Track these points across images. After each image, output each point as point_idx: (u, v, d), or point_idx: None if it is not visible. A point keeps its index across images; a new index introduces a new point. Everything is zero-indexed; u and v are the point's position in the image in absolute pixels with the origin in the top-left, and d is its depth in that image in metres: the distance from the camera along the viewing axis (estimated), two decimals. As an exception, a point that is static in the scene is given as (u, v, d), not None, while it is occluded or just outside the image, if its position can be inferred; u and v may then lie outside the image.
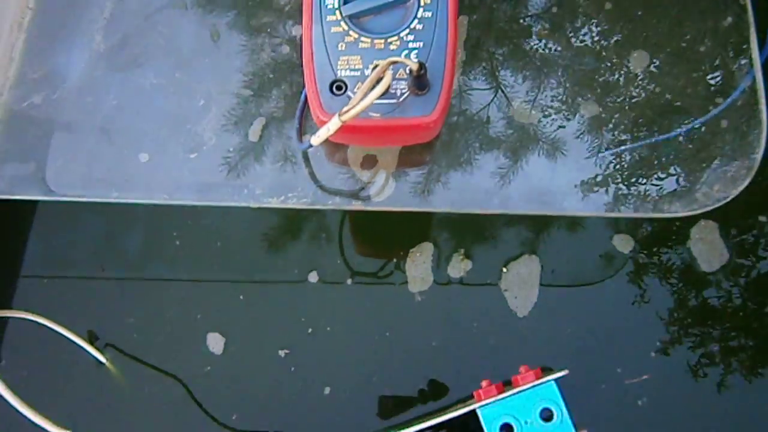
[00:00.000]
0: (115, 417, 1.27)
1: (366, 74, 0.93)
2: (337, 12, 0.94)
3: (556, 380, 1.00)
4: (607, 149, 1.13)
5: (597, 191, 1.09)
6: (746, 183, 1.05)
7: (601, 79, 1.16)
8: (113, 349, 1.30)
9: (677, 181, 1.09)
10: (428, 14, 0.93)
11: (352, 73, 0.94)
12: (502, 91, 1.17)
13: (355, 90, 0.93)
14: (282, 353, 1.29)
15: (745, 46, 1.16)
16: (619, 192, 1.09)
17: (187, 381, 1.28)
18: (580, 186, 1.09)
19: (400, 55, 0.91)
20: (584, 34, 1.18)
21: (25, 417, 1.06)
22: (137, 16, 1.16)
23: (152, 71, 1.09)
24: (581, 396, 1.12)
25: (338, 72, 0.94)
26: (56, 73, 1.09)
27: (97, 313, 1.33)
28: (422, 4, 0.94)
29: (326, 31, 0.94)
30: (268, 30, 1.16)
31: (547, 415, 0.98)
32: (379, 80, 0.88)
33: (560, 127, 1.13)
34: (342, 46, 0.94)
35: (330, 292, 1.32)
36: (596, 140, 1.16)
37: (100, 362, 1.28)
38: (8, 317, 1.22)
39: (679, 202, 1.05)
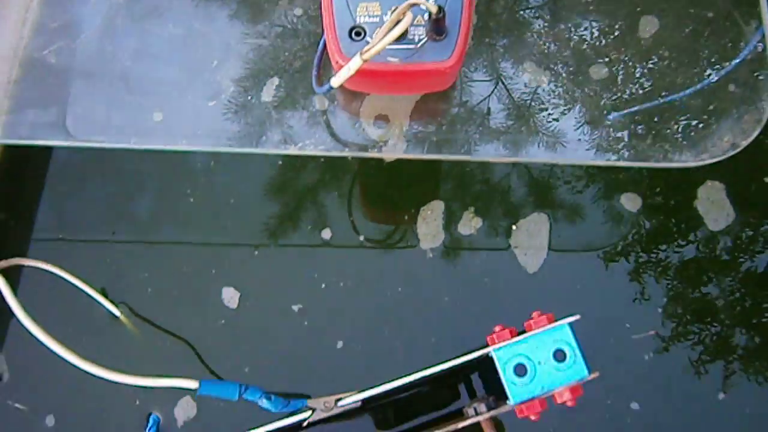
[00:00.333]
0: (128, 366, 1.28)
1: (384, 20, 0.95)
2: (357, -41, 0.96)
3: (569, 324, 1.01)
4: (616, 111, 1.14)
5: (609, 142, 1.11)
6: (755, 134, 1.07)
7: (611, 41, 1.18)
8: (127, 303, 1.31)
9: (688, 132, 1.11)
10: (446, -39, 0.95)
11: (371, 20, 0.96)
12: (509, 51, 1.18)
13: (374, 35, 0.94)
14: (295, 308, 1.31)
15: (755, 6, 1.18)
16: (631, 143, 1.11)
17: (201, 334, 1.30)
18: (592, 137, 1.10)
19: (418, 1, 0.93)
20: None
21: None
22: (156, -33, 1.17)
23: (171, 21, 1.11)
24: (589, 350, 1.14)
25: (357, 18, 0.96)
26: (75, 22, 1.11)
27: (112, 268, 1.34)
28: (440, -49, 0.95)
29: (346, -22, 0.95)
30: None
31: (560, 357, 1.00)
32: (398, 22, 0.90)
33: (574, 84, 1.15)
34: (361, -8, 0.95)
35: (343, 249, 1.34)
36: (607, 99, 1.18)
37: (114, 315, 1.29)
38: (23, 266, 1.23)
39: (690, 152, 1.07)
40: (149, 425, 1.23)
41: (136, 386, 0.99)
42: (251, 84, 1.09)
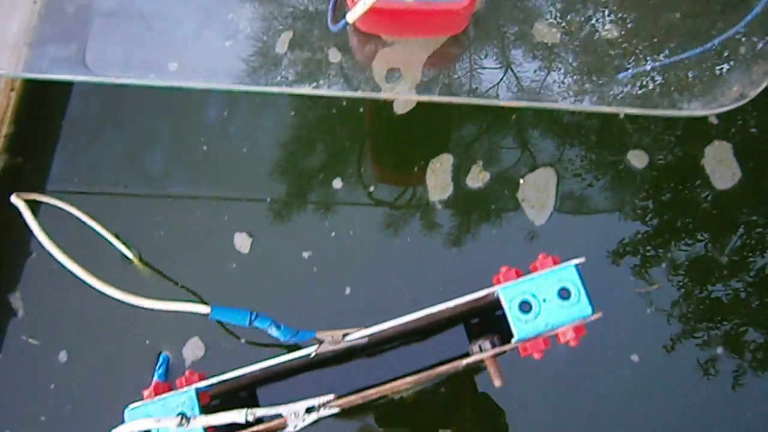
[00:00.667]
0: (140, 310, 1.31)
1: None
2: None
3: (575, 265, 1.03)
4: (626, 70, 1.15)
5: (619, 91, 1.13)
6: (765, 84, 1.08)
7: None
8: (140, 246, 1.34)
9: (697, 83, 1.12)
10: None
11: (388, -44, 0.97)
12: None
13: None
14: (305, 255, 1.33)
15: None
16: (640, 93, 1.12)
17: (213, 277, 1.32)
18: (602, 84, 1.12)
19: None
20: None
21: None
22: None
23: (191, -39, 1.13)
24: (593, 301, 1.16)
25: (374, -46, 0.97)
26: (98, -38, 1.13)
27: (126, 212, 1.37)
28: None
29: None
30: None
31: (565, 295, 1.02)
32: (415, -42, 0.92)
33: (586, 39, 1.16)
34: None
35: (353, 198, 1.36)
36: (618, 54, 1.19)
37: (127, 258, 1.32)
38: (41, 202, 1.25)
39: (698, 102, 1.09)
40: (159, 363, 1.26)
41: (150, 309, 1.01)
42: (267, 26, 1.11)
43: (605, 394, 1.23)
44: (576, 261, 1.05)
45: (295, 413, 1.03)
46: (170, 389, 1.07)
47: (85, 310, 1.30)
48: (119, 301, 1.04)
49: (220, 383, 1.09)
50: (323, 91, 1.08)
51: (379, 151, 1.38)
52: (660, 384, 1.24)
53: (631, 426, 1.21)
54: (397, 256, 1.31)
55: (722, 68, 1.11)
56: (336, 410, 1.04)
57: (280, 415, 1.04)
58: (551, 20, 1.16)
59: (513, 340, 1.04)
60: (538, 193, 1.32)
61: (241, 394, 1.22)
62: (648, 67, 1.14)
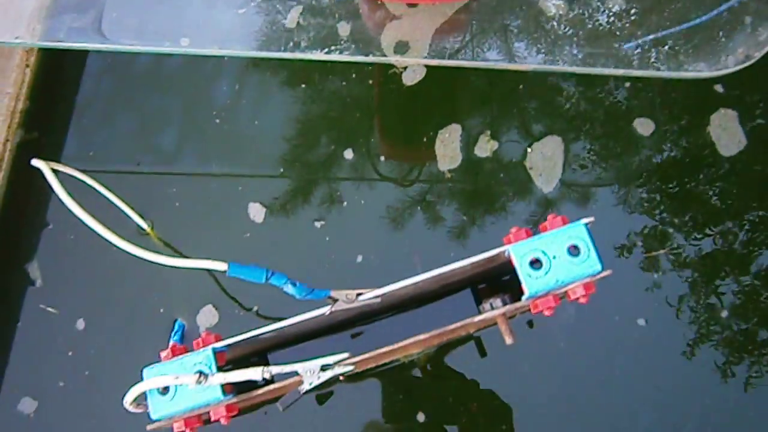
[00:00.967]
0: (155, 279, 1.33)
1: None
2: None
3: (584, 223, 1.05)
4: (633, 40, 1.17)
5: (627, 53, 1.14)
6: (768, 47, 1.10)
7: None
8: (155, 217, 1.36)
9: (703, 45, 1.14)
10: None
11: None
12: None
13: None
14: (318, 224, 1.35)
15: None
16: (647, 54, 1.14)
17: (227, 246, 1.34)
18: (609, 49, 1.14)
19: None
20: None
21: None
22: None
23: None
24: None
25: None
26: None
27: (141, 184, 1.39)
28: None
29: None
30: None
31: (574, 251, 1.03)
32: None
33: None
34: None
35: (364, 168, 1.38)
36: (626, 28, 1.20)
37: (142, 229, 1.34)
38: (58, 171, 1.27)
39: (705, 63, 1.10)
40: (175, 330, 1.28)
41: (169, 266, 1.03)
42: (280, -6, 1.14)
43: (612, 356, 1.25)
44: (585, 220, 1.06)
45: (310, 370, 1.05)
46: (187, 352, 1.10)
47: (101, 280, 1.33)
48: (139, 257, 1.07)
49: (237, 344, 1.11)
50: (334, 57, 1.10)
51: (389, 123, 1.40)
52: (665, 347, 1.25)
53: (637, 388, 1.23)
54: (408, 224, 1.33)
55: (728, 31, 1.12)
56: (350, 368, 1.06)
57: (295, 373, 1.06)
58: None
59: (524, 297, 1.06)
60: (545, 161, 1.34)
61: (254, 360, 1.24)
62: (653, 37, 1.16)
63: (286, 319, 1.09)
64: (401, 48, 1.21)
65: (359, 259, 1.32)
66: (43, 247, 1.35)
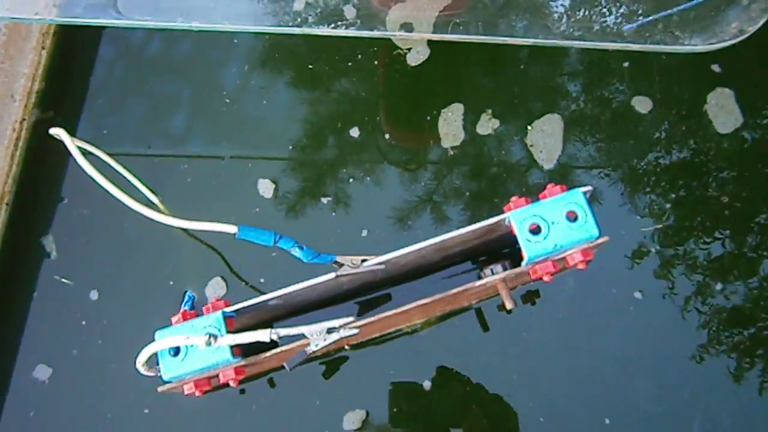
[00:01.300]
0: (165, 252, 1.38)
1: None
2: None
3: (582, 192, 1.08)
4: (633, 22, 1.21)
5: (623, 28, 1.18)
6: (762, 21, 1.13)
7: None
8: (166, 192, 1.40)
9: (697, 19, 1.17)
10: None
11: None
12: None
13: None
14: (324, 200, 1.39)
15: None
16: (643, 29, 1.18)
17: (237, 220, 1.37)
18: (606, 24, 1.17)
19: None
20: None
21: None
22: None
23: None
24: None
25: None
26: None
27: (152, 162, 1.43)
28: None
29: None
30: None
31: (572, 217, 1.07)
32: None
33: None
34: None
35: (370, 146, 1.42)
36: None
37: (153, 203, 1.38)
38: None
39: (699, 38, 1.14)
40: (185, 300, 1.31)
41: (181, 228, 1.07)
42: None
43: (607, 328, 1.28)
44: (582, 189, 1.10)
45: (317, 332, 1.08)
46: (197, 317, 1.13)
47: (113, 253, 1.37)
48: (151, 220, 1.11)
49: (245, 311, 1.15)
50: (341, 32, 1.14)
51: (394, 102, 1.44)
52: (661, 319, 1.28)
53: (632, 357, 1.25)
54: (411, 200, 1.37)
55: (722, 7, 1.16)
56: (355, 331, 1.10)
57: (302, 336, 1.10)
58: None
59: (523, 262, 1.09)
60: (545, 138, 1.38)
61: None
62: (651, 18, 1.20)
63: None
64: (406, 29, 1.25)
65: (364, 233, 1.36)
66: (58, 222, 1.40)
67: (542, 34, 1.15)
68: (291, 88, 1.46)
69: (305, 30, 1.12)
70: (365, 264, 1.12)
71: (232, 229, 1.08)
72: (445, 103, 1.42)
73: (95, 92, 1.54)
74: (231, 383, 1.13)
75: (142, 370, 1.10)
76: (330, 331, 1.09)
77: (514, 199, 1.12)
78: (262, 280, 1.34)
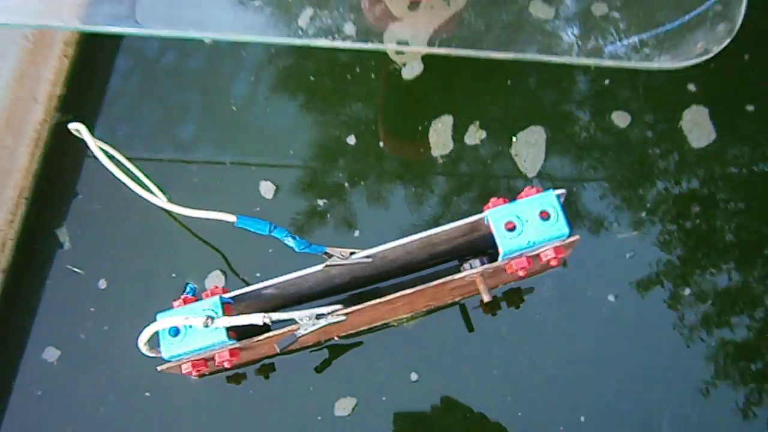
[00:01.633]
0: (168, 246, 1.47)
1: None
2: None
3: (556, 195, 1.17)
4: (615, 43, 1.31)
5: (596, 47, 1.28)
6: (726, 42, 1.23)
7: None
8: (172, 190, 1.50)
9: (668, 39, 1.27)
10: None
11: None
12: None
13: None
14: (321, 202, 1.48)
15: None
16: (615, 50, 1.28)
17: (237, 218, 1.47)
18: (582, 41, 1.27)
19: None
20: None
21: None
22: None
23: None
24: (578, 247, 1.29)
25: None
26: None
27: (161, 164, 1.54)
28: None
29: None
30: None
31: (545, 216, 1.15)
32: None
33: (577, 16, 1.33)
34: None
35: (365, 153, 1.52)
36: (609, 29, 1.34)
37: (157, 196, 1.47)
38: (85, 141, 1.42)
39: (668, 55, 1.23)
40: (186, 291, 1.40)
41: (183, 216, 1.17)
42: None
43: (582, 329, 1.35)
44: (556, 192, 1.18)
45: (307, 317, 1.17)
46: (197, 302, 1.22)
47: (122, 245, 1.47)
48: (156, 206, 1.20)
49: (241, 299, 1.24)
50: (339, 44, 1.25)
51: (389, 112, 1.54)
52: (633, 321, 1.35)
53: (606, 357, 1.32)
54: (402, 204, 1.46)
55: (690, 27, 1.26)
56: (343, 318, 1.18)
57: (293, 321, 1.18)
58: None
59: (499, 258, 1.18)
60: (529, 148, 1.47)
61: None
62: (634, 39, 1.30)
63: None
64: (401, 45, 1.35)
65: (356, 234, 1.45)
66: (72, 215, 1.50)
67: (523, 51, 1.24)
68: (294, 99, 1.57)
69: (305, 42, 1.22)
70: (354, 256, 1.21)
71: (231, 217, 1.17)
72: (436, 115, 1.52)
73: (112, 99, 1.65)
74: (226, 364, 1.21)
75: (144, 349, 1.19)
76: (319, 317, 1.17)
77: (493, 199, 1.21)
78: (258, 275, 1.43)
